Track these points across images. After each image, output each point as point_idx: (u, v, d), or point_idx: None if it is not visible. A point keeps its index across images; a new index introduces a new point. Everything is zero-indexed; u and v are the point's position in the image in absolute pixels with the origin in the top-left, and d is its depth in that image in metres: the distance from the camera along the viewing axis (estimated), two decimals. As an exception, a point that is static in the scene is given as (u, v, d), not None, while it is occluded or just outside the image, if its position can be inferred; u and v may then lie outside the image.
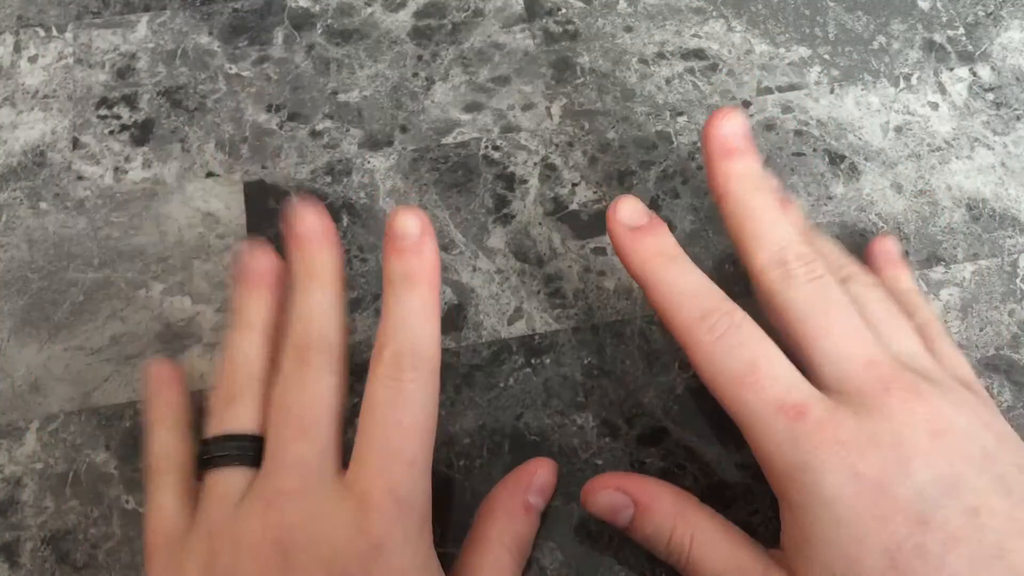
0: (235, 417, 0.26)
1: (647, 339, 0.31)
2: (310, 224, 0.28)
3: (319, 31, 0.38)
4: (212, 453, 0.25)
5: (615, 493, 0.26)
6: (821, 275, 0.25)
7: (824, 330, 0.24)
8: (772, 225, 0.26)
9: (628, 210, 0.27)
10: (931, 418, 0.23)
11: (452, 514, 0.28)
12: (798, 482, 0.23)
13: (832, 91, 0.36)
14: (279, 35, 0.38)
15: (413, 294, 0.26)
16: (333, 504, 0.23)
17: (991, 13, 0.39)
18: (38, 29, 0.38)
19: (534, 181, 0.34)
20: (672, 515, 0.26)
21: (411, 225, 0.26)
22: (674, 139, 0.35)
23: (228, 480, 0.25)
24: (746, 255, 0.26)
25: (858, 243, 0.33)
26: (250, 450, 0.25)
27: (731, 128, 0.27)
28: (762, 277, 0.25)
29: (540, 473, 0.28)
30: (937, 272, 0.33)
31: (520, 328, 0.32)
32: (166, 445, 0.27)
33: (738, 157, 0.27)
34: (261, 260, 0.28)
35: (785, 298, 0.25)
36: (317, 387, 0.26)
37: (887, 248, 0.31)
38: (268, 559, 0.22)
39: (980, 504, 0.22)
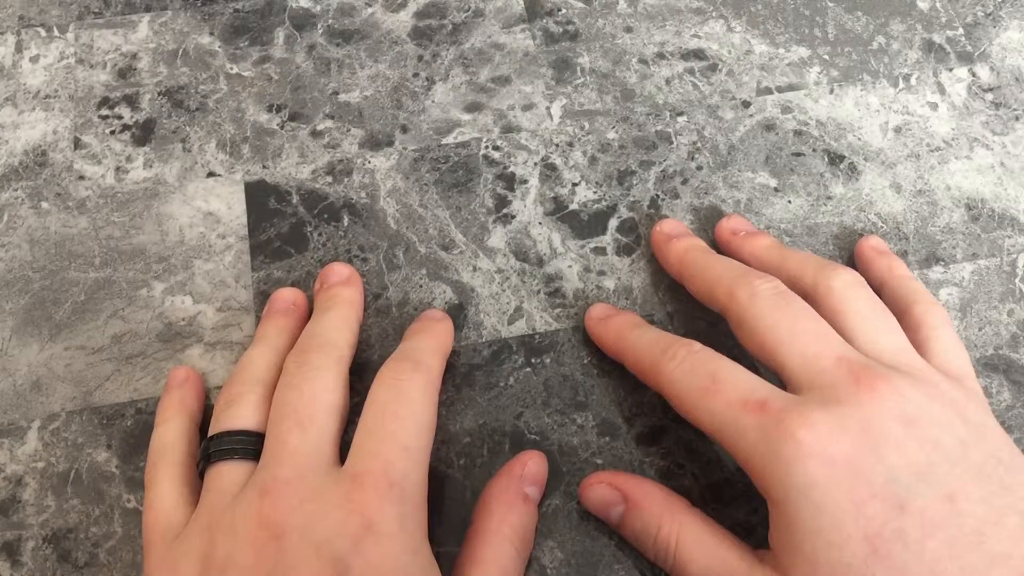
0: (236, 415, 0.26)
1: (647, 338, 0.31)
2: (338, 271, 0.31)
3: (320, 31, 0.38)
4: (213, 448, 0.26)
5: (608, 489, 0.27)
6: (784, 290, 0.27)
7: (793, 334, 0.26)
8: (727, 264, 0.29)
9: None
10: (902, 407, 0.24)
11: (453, 512, 0.29)
12: (775, 474, 0.23)
13: (831, 91, 0.37)
14: (280, 35, 0.38)
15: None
16: (327, 488, 0.24)
17: (990, 14, 0.39)
18: (40, 29, 0.38)
19: (534, 181, 0.34)
20: (660, 513, 0.26)
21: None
22: (674, 139, 0.35)
23: (228, 473, 0.25)
24: (714, 297, 0.28)
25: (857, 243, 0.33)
26: (250, 444, 0.26)
27: (669, 225, 0.32)
28: (731, 304, 0.27)
29: (531, 464, 0.28)
30: (936, 272, 0.33)
31: (520, 327, 0.32)
32: (168, 441, 0.28)
33: (677, 239, 0.31)
34: (286, 295, 0.31)
35: (754, 313, 0.27)
36: (315, 384, 0.26)
37: (873, 243, 0.32)
38: (262, 545, 0.23)
39: (956, 491, 0.23)
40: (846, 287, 0.27)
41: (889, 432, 0.23)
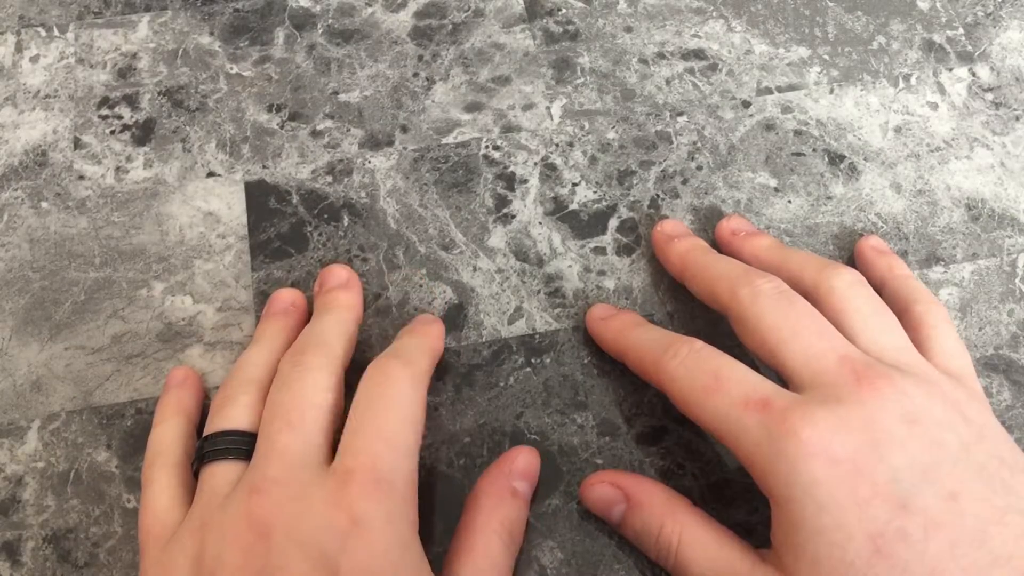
0: (231, 416, 0.26)
1: (647, 338, 0.31)
2: (336, 274, 0.31)
3: (320, 31, 0.38)
4: (206, 448, 0.26)
5: (609, 488, 0.27)
6: (786, 289, 0.27)
7: (795, 332, 0.26)
8: (728, 263, 0.29)
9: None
10: (904, 406, 0.24)
11: (453, 513, 0.29)
12: (778, 473, 0.23)
13: (832, 91, 0.37)
14: (280, 35, 0.38)
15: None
16: (314, 486, 0.24)
17: (990, 13, 0.39)
18: (39, 29, 0.38)
19: (534, 181, 0.34)
20: (661, 512, 0.26)
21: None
22: (674, 139, 0.35)
23: (221, 473, 0.25)
24: (716, 296, 0.28)
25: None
26: (243, 444, 0.26)
27: (670, 225, 0.32)
28: (733, 303, 0.27)
29: (521, 459, 0.28)
30: (936, 272, 0.33)
31: (520, 327, 0.32)
32: (164, 442, 0.28)
33: (678, 239, 0.32)
34: (285, 295, 0.31)
35: (756, 312, 0.27)
36: (306, 383, 0.26)
37: (874, 243, 0.32)
38: (250, 544, 0.23)
39: (959, 490, 0.23)
40: (847, 286, 0.27)
41: (892, 431, 0.23)
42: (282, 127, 0.35)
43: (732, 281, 0.28)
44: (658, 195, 0.34)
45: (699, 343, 0.27)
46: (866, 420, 0.23)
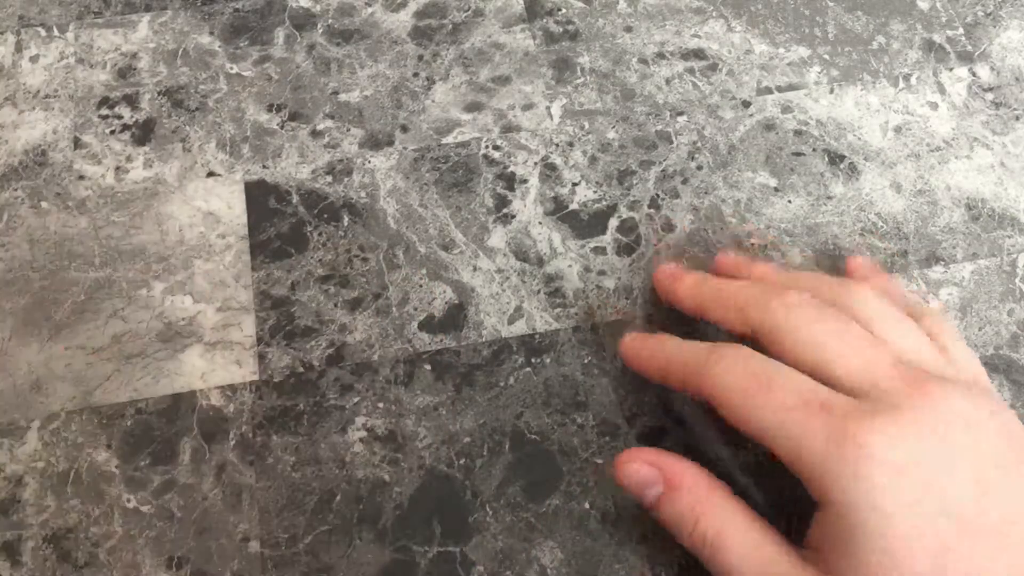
0: None
1: (647, 338, 0.31)
2: None
3: (320, 31, 0.38)
4: None
5: (648, 468, 0.26)
6: (818, 301, 0.26)
7: (843, 341, 0.25)
8: (747, 284, 0.28)
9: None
10: (959, 413, 0.23)
11: (453, 512, 0.29)
12: (838, 477, 0.23)
13: (832, 91, 0.37)
14: (280, 35, 0.38)
15: None
16: None
17: (990, 13, 0.39)
18: (39, 29, 0.38)
19: (534, 181, 0.34)
20: (701, 500, 0.25)
21: None
22: (674, 139, 0.35)
23: None
24: (746, 316, 0.27)
25: (857, 243, 0.33)
26: None
27: (670, 267, 0.31)
28: (766, 317, 0.26)
29: None
30: (936, 272, 0.33)
31: (520, 327, 0.32)
32: None
33: (684, 276, 0.30)
34: None
35: (793, 323, 0.26)
36: None
37: (860, 263, 0.32)
38: None
39: (1019, 506, 0.22)
40: (872, 298, 0.27)
41: (957, 441, 0.23)
42: (282, 127, 0.35)
43: (759, 298, 0.27)
44: (658, 195, 0.34)
45: (745, 348, 0.26)
46: (927, 427, 0.23)
